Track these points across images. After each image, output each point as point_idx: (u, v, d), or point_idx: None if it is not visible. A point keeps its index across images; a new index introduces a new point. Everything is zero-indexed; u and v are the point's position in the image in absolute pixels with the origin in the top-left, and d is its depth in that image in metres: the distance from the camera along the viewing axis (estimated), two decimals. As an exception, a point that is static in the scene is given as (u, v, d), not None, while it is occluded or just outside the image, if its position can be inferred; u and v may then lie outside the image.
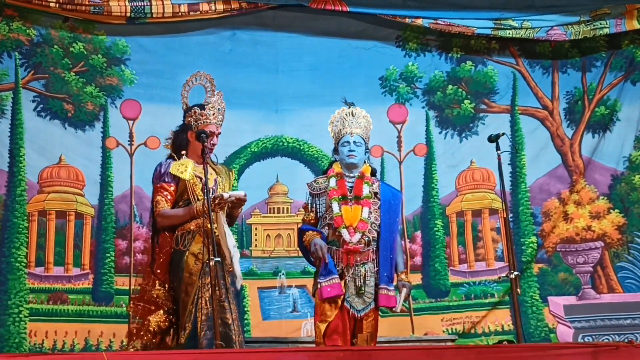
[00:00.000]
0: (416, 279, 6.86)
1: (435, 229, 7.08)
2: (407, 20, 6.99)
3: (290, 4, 6.92)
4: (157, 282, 5.16)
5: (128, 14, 6.62)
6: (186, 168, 5.15)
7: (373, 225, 5.16)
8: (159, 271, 5.17)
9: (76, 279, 6.64)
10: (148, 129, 6.86)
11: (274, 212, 7.03)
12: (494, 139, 5.35)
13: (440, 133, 7.24)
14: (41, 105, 6.74)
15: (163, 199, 5.20)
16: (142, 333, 5.08)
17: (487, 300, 7.01)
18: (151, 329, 5.07)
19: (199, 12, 6.74)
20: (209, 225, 4.89)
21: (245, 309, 6.76)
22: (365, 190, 5.20)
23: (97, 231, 6.72)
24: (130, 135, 6.88)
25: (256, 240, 6.95)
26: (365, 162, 5.33)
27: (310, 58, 7.13)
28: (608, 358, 4.19)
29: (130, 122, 6.88)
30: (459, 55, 7.27)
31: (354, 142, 5.24)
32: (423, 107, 7.24)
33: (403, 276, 5.24)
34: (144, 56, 6.93)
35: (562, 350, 4.45)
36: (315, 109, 6.86)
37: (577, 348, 4.71)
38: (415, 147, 7.20)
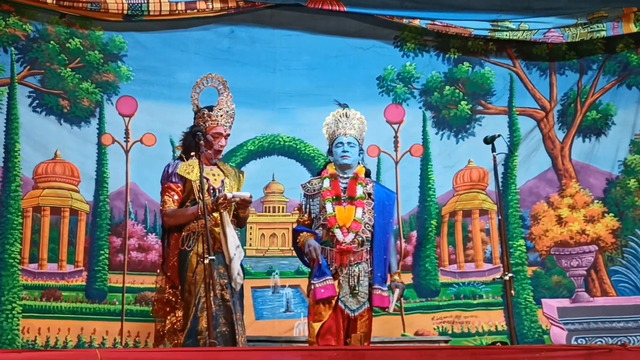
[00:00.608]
0: (407, 278, 6.86)
1: (429, 229, 7.09)
2: (405, 21, 6.99)
3: (287, 3, 6.91)
4: (169, 283, 5.25)
5: (125, 11, 6.60)
6: (193, 169, 5.23)
7: (367, 225, 5.18)
8: (169, 273, 5.25)
9: (70, 276, 6.62)
10: (144, 125, 6.85)
11: (269, 211, 7.03)
12: (489, 140, 5.36)
13: (436, 134, 7.24)
14: (37, 101, 6.71)
15: (170, 199, 5.27)
16: (164, 333, 5.20)
17: (475, 301, 7.02)
18: (171, 329, 5.17)
19: (196, 10, 6.73)
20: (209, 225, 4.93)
21: (239, 308, 6.76)
22: (359, 190, 5.23)
23: (91, 228, 6.70)
24: (126, 132, 6.86)
25: (251, 239, 6.95)
26: (359, 163, 5.36)
27: (308, 57, 7.12)
28: (601, 361, 4.20)
29: (127, 118, 6.87)
30: (456, 56, 7.28)
31: (348, 143, 5.27)
32: (420, 108, 7.25)
33: (396, 277, 5.27)
34: (141, 53, 6.91)
35: (555, 353, 4.47)
36: (312, 108, 6.86)
37: (571, 350, 4.72)
38: (412, 148, 7.20)
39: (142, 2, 6.58)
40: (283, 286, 6.89)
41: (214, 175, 5.33)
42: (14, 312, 6.38)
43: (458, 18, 6.98)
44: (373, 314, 5.21)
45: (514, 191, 7.18)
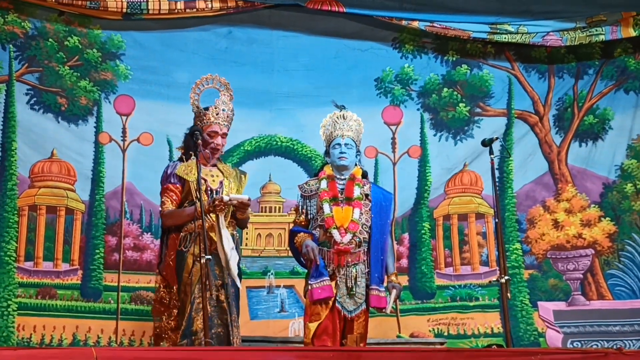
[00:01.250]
0: (403, 280, 6.85)
1: (422, 231, 7.08)
2: (404, 23, 6.99)
3: (286, 4, 6.91)
4: (163, 282, 5.25)
5: (124, 10, 6.60)
6: (191, 170, 5.24)
7: (364, 226, 5.18)
8: (165, 272, 5.25)
9: (65, 274, 6.61)
10: (141, 125, 6.85)
11: (265, 211, 7.02)
12: (487, 143, 5.37)
13: (434, 135, 7.24)
14: (34, 99, 6.70)
15: (169, 200, 5.28)
16: (161, 332, 5.20)
17: (471, 304, 7.02)
18: (166, 328, 5.18)
19: (195, 10, 6.73)
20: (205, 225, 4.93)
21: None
22: (356, 191, 5.23)
23: (87, 227, 6.69)
24: (124, 131, 6.85)
25: (247, 239, 6.94)
26: (356, 164, 5.36)
27: (306, 58, 7.12)
28: (597, 364, 4.19)
29: (124, 117, 6.86)
30: (454, 59, 7.28)
31: (345, 144, 5.28)
32: (418, 109, 7.24)
33: (393, 277, 5.26)
34: (140, 52, 6.90)
35: (551, 356, 4.46)
36: (310, 109, 6.86)
37: (567, 354, 4.72)
38: (410, 149, 7.20)
39: (142, 0, 6.58)
40: (278, 286, 6.88)
41: (212, 176, 5.33)
42: (9, 309, 6.37)
43: (457, 20, 6.98)
44: (369, 315, 5.21)
45: (510, 195, 7.18)
